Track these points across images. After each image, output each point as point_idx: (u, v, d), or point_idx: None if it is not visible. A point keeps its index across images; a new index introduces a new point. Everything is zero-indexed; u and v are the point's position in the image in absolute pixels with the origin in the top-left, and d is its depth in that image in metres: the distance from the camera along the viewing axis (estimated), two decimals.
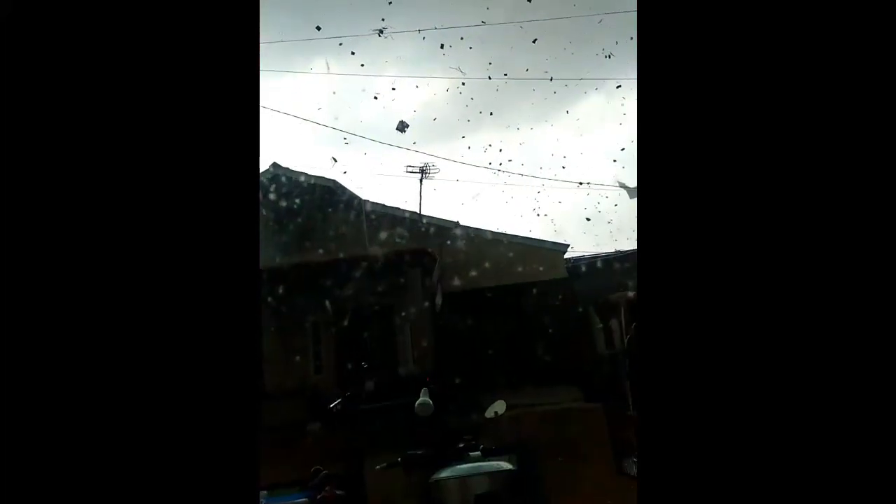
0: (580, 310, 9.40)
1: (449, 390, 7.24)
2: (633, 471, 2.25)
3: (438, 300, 8.82)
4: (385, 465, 2.13)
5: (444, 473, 1.69)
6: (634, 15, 0.75)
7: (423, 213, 10.63)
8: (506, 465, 1.71)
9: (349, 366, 8.26)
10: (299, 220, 9.44)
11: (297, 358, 8.34)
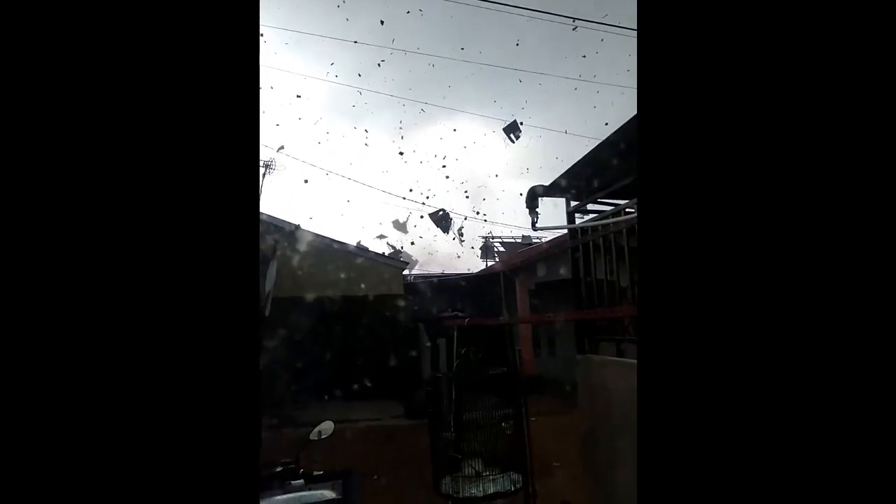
0: (411, 328, 9.60)
1: (268, 403, 6.75)
2: (450, 490, 2.30)
3: (266, 306, 8.26)
4: None
5: None
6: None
7: (261, 210, 9.94)
8: (328, 494, 1.62)
9: None
10: None
11: None
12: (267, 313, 7.80)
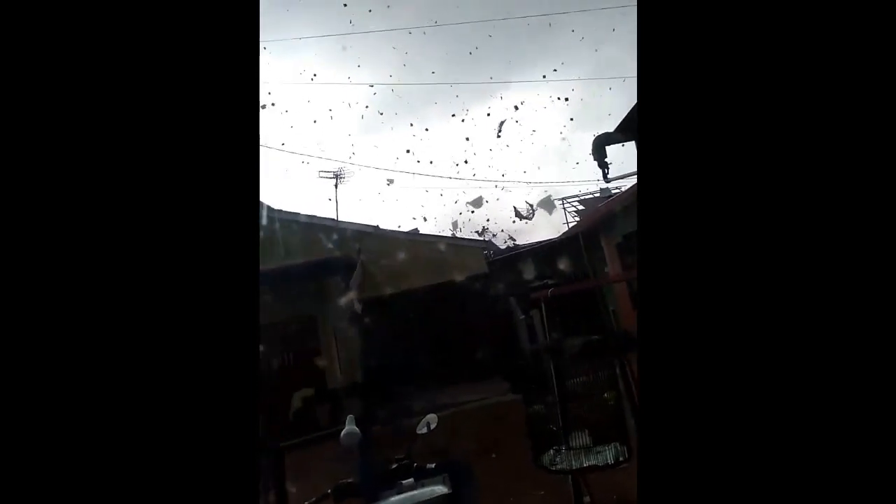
0: (502, 304, 9.62)
1: (378, 399, 7.13)
2: (547, 464, 2.30)
3: (357, 306, 8.65)
4: (314, 500, 2.02)
5: None
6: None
7: (339, 218, 10.39)
8: (440, 489, 1.68)
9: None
10: None
11: None
12: (359, 311, 8.18)
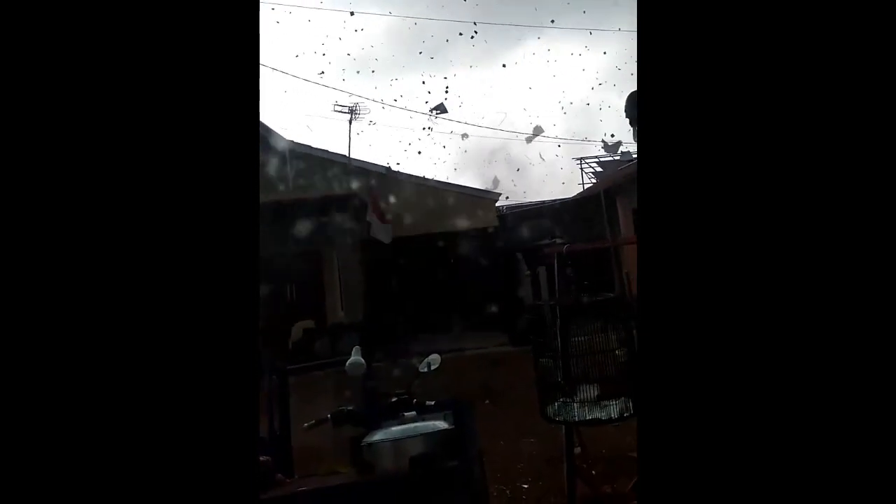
0: (509, 258, 9.59)
1: (378, 338, 7.22)
2: (553, 415, 2.30)
3: (385, 235, 8.60)
4: (313, 422, 2.00)
5: (377, 436, 1.59)
6: None
7: (351, 156, 10.21)
8: (441, 425, 1.65)
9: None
10: None
11: None
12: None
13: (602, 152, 13.15)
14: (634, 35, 0.75)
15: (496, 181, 10.58)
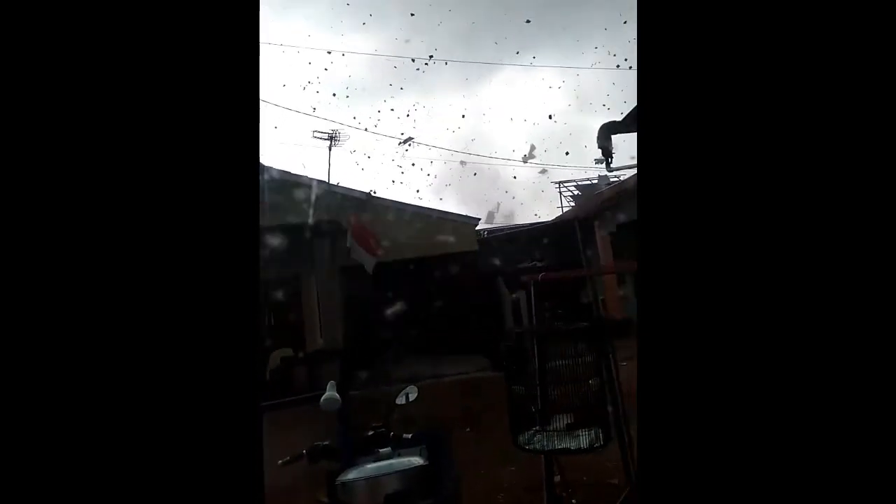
0: (490, 282, 9.62)
1: (357, 365, 7.13)
2: (524, 443, 2.30)
3: (367, 263, 8.55)
4: (288, 458, 1.97)
5: (352, 474, 1.58)
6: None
7: (331, 181, 10.23)
8: (416, 461, 1.64)
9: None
10: None
11: None
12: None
13: (582, 175, 13.40)
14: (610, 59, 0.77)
15: (497, 206, 10.67)
